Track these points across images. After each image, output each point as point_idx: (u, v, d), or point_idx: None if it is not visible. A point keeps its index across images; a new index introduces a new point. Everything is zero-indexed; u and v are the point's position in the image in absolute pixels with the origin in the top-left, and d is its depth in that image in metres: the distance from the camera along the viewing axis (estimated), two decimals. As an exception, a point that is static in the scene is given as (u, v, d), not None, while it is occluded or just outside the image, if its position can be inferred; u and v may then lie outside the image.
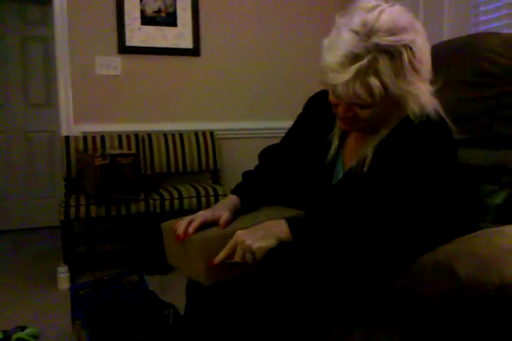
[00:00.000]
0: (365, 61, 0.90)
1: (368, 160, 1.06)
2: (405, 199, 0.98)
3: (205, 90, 3.36)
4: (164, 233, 1.18)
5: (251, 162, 1.40)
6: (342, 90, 0.94)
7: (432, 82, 1.00)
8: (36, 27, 3.84)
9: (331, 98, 1.03)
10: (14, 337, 1.88)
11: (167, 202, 2.76)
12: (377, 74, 0.91)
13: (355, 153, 1.12)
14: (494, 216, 1.13)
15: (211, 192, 2.86)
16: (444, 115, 1.03)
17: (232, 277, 1.06)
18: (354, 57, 0.90)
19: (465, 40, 1.44)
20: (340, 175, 1.14)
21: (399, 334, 0.90)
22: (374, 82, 0.91)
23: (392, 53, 0.90)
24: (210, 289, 1.09)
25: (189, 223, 1.07)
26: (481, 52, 1.30)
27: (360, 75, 0.91)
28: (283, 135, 1.33)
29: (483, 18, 2.54)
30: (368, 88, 0.91)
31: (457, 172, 1.06)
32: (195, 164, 3.21)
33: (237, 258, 1.01)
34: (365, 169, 1.06)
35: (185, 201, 2.79)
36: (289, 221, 1.03)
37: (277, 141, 1.35)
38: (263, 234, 1.01)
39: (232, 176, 3.37)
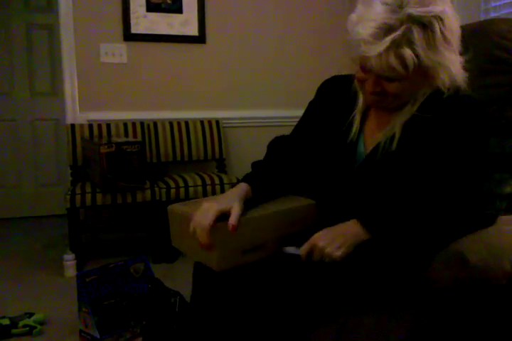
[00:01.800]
0: (399, 32, 0.89)
1: (396, 138, 1.05)
2: (445, 174, 0.99)
3: (210, 78, 3.34)
4: (170, 216, 1.18)
5: (257, 151, 1.39)
6: (375, 62, 0.93)
7: (462, 53, 0.99)
8: (41, 14, 3.81)
9: (359, 74, 1.02)
10: (21, 323, 1.89)
11: (173, 191, 2.75)
12: (410, 45, 0.90)
13: (378, 132, 1.11)
14: (505, 204, 1.12)
15: (217, 181, 2.85)
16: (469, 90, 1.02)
17: (242, 264, 1.06)
18: (388, 29, 0.90)
19: (476, 26, 1.41)
20: (363, 155, 1.13)
21: (409, 321, 0.89)
22: (408, 52, 0.90)
23: (424, 24, 0.90)
24: (217, 276, 1.09)
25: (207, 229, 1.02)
26: (492, 39, 1.28)
27: (394, 46, 0.90)
28: (289, 123, 1.30)
29: (494, 4, 2.50)
30: (402, 59, 0.91)
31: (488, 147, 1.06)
32: (201, 152, 3.20)
33: (314, 258, 1.02)
34: (394, 146, 1.05)
35: (191, 189, 2.79)
36: (362, 221, 1.02)
37: (283, 129, 1.33)
38: (342, 241, 1.00)
39: (238, 165, 3.36)
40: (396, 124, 1.06)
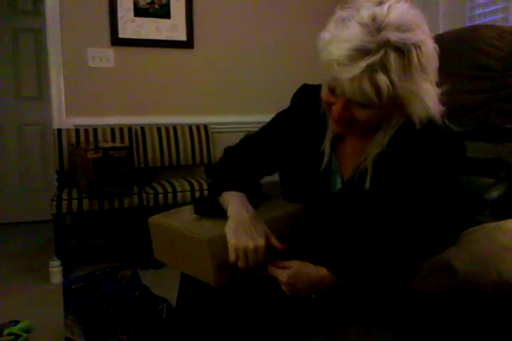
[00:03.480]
0: (375, 56, 0.85)
1: (368, 174, 1.01)
2: (414, 212, 0.97)
3: (198, 83, 3.33)
4: (153, 228, 1.13)
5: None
6: (348, 86, 0.88)
7: (438, 85, 0.95)
8: (27, 18, 3.78)
9: (326, 96, 0.97)
10: (6, 331, 1.87)
11: (161, 196, 2.74)
12: (386, 71, 0.86)
13: (351, 160, 1.07)
14: (491, 210, 1.13)
15: (205, 186, 2.84)
16: (447, 121, 0.99)
17: (238, 276, 1.04)
18: (364, 52, 0.86)
19: (461, 32, 1.43)
20: (338, 184, 1.09)
21: (395, 330, 0.89)
22: (383, 79, 0.86)
23: (401, 50, 0.86)
24: (204, 285, 1.08)
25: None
26: (477, 45, 1.29)
27: (369, 71, 0.86)
28: None
29: (479, 11, 2.53)
30: (376, 85, 0.87)
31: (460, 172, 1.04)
32: (189, 158, 3.19)
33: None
34: (367, 184, 1.00)
35: (179, 195, 2.77)
36: (335, 271, 1.00)
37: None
38: (310, 289, 1.00)
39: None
40: (368, 157, 1.01)
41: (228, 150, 1.26)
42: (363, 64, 0.85)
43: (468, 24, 2.56)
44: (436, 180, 0.97)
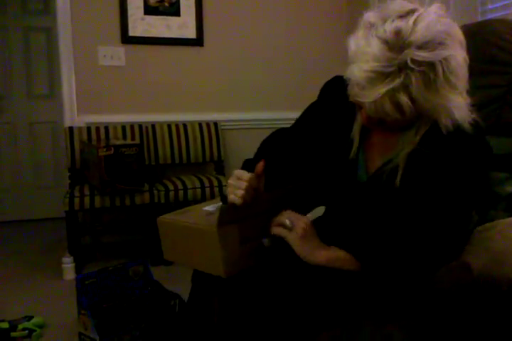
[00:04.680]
0: (397, 80, 0.82)
1: (400, 171, 0.99)
2: (439, 213, 0.96)
3: (208, 81, 3.34)
4: (162, 227, 1.14)
5: (254, 152, 1.38)
6: (369, 107, 0.88)
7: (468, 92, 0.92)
8: (39, 17, 3.82)
9: (355, 101, 0.94)
10: (20, 326, 1.89)
11: (171, 193, 2.75)
12: (407, 91, 0.84)
13: (378, 153, 1.06)
14: (505, 205, 1.12)
15: (215, 183, 2.85)
16: (482, 125, 0.97)
17: (248, 266, 1.05)
18: (384, 75, 0.83)
19: (473, 27, 1.41)
20: (363, 175, 1.08)
21: (409, 326, 0.89)
22: (403, 99, 0.84)
23: (425, 69, 0.82)
24: (216, 279, 1.09)
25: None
26: (490, 39, 1.28)
27: (390, 93, 0.84)
28: (287, 125, 1.25)
29: (491, 6, 2.51)
30: (398, 106, 0.85)
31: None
32: (199, 155, 3.20)
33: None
34: (398, 181, 0.99)
35: (190, 192, 2.79)
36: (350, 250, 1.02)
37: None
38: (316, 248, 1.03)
39: (236, 167, 3.34)
40: (399, 156, 0.99)
41: (263, 142, 1.29)
42: (383, 89, 0.83)
43: (479, 19, 2.54)
44: (462, 183, 0.96)
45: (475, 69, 1.27)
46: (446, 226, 0.95)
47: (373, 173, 1.05)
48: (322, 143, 1.14)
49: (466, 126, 0.93)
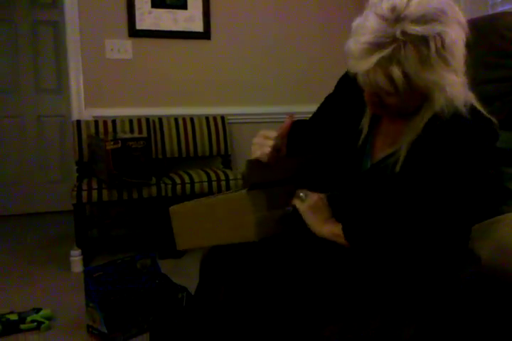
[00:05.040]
0: (388, 50, 0.85)
1: (401, 160, 1.01)
2: (439, 200, 0.96)
3: (215, 74, 3.33)
4: (175, 216, 1.16)
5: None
6: (362, 78, 0.91)
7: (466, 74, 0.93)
8: (46, 11, 3.81)
9: (359, 83, 0.98)
10: (29, 318, 1.90)
11: (178, 187, 2.76)
12: (399, 64, 0.86)
13: (383, 143, 1.09)
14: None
15: (222, 177, 2.85)
16: (481, 109, 0.97)
17: (276, 233, 1.09)
18: (377, 46, 0.86)
19: (483, 20, 1.40)
20: (368, 164, 1.11)
21: (417, 320, 0.89)
22: (396, 72, 0.86)
23: (418, 43, 0.85)
24: (224, 271, 1.09)
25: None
26: (500, 32, 1.27)
27: (382, 64, 0.86)
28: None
29: (501, -2, 2.48)
30: (390, 78, 0.87)
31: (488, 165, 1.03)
32: (206, 149, 3.20)
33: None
34: (398, 168, 1.01)
35: (197, 185, 2.79)
36: (346, 233, 1.04)
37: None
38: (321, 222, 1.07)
39: (243, 161, 3.35)
40: (403, 142, 1.01)
41: None
42: (374, 58, 0.86)
43: (490, 11, 2.51)
44: (462, 170, 0.96)
45: (487, 63, 1.26)
46: (442, 213, 0.96)
47: (376, 162, 1.07)
48: (334, 131, 1.18)
49: (462, 108, 0.94)
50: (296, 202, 1.11)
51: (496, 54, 1.23)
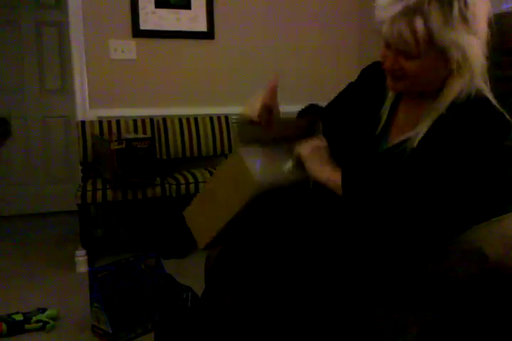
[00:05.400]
0: (413, 1, 0.90)
1: (419, 137, 1.03)
2: (443, 178, 0.97)
3: (219, 74, 3.33)
4: (188, 215, 1.17)
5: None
6: (387, 29, 0.94)
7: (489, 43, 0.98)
8: (50, 11, 3.82)
9: (383, 52, 1.02)
10: (34, 318, 1.91)
11: (183, 187, 2.76)
12: (423, 15, 0.90)
13: (405, 128, 1.10)
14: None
15: (227, 177, 2.85)
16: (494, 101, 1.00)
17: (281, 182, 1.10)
18: None
19: (495, 18, 1.39)
20: (383, 147, 1.13)
21: (424, 318, 0.89)
22: (419, 23, 0.90)
23: (442, 0, 0.89)
24: (231, 272, 1.09)
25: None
26: (506, 31, 1.26)
27: (407, 13, 0.90)
28: None
29: (507, -3, 2.46)
30: (413, 29, 0.91)
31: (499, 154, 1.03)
32: (210, 148, 3.20)
33: None
34: (415, 144, 1.03)
35: (201, 185, 2.79)
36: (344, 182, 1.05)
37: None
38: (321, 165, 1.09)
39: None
40: (424, 123, 1.03)
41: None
42: (399, 6, 0.90)
43: (496, 10, 2.49)
44: (472, 155, 0.97)
45: (496, 61, 1.25)
46: (441, 192, 0.96)
47: (392, 146, 1.09)
48: (352, 117, 1.20)
49: (484, 89, 0.98)
50: (298, 147, 1.12)
51: (502, 53, 1.22)
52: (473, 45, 0.94)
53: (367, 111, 1.17)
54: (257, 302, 1.06)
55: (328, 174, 1.07)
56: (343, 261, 1.05)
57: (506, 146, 1.03)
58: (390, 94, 1.14)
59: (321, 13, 3.47)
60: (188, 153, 3.16)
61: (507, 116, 0.99)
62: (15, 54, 3.78)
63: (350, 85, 1.30)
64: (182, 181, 2.78)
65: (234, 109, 3.34)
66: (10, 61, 3.77)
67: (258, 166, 1.04)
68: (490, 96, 1.01)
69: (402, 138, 1.07)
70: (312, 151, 1.10)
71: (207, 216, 1.13)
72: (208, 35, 3.27)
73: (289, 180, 1.11)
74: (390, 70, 1.03)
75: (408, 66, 0.98)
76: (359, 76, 1.28)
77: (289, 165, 1.11)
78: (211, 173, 2.87)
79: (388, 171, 1.06)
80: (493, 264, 0.78)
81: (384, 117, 1.13)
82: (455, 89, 0.99)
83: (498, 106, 1.00)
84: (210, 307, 1.16)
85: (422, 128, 1.03)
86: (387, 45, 0.99)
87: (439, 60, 0.96)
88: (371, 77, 1.20)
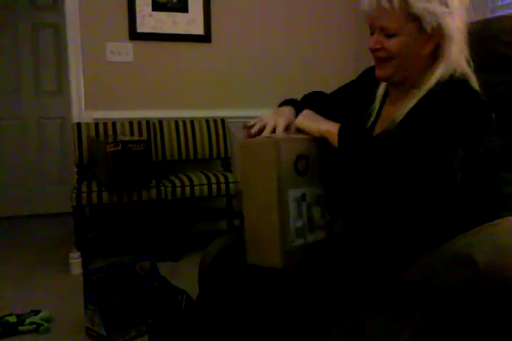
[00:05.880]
0: None
1: (407, 109, 1.09)
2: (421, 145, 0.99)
3: (216, 77, 3.34)
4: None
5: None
6: (367, 2, 1.03)
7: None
8: (47, 13, 3.83)
9: (369, 39, 1.09)
10: (28, 320, 1.90)
11: (178, 189, 2.76)
12: None
13: (385, 121, 1.16)
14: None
15: (222, 180, 2.85)
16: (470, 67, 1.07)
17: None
18: None
19: (483, 23, 1.41)
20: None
21: (415, 322, 0.89)
22: None
23: None
24: (225, 276, 1.09)
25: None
26: (499, 36, 1.28)
27: None
28: None
29: (501, 2, 2.49)
30: None
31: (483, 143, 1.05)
32: (206, 151, 3.20)
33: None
34: (402, 116, 1.09)
35: (196, 188, 2.79)
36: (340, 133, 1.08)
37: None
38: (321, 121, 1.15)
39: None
40: (410, 102, 1.09)
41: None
42: None
43: (489, 15, 2.52)
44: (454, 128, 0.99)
45: (484, 66, 1.26)
46: (429, 148, 0.97)
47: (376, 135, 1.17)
48: (346, 115, 1.26)
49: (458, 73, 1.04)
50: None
51: (493, 58, 1.23)
52: (446, 15, 1.01)
53: (359, 109, 1.24)
54: (250, 306, 1.06)
55: (326, 126, 1.11)
56: (332, 264, 1.05)
57: (494, 149, 1.04)
58: (380, 91, 1.21)
59: (318, 18, 3.49)
60: (184, 156, 3.16)
61: (483, 98, 1.03)
62: (11, 55, 3.78)
63: (351, 83, 1.36)
64: (178, 184, 2.78)
65: (230, 112, 3.35)
66: (6, 62, 3.77)
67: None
68: (472, 78, 1.07)
69: (387, 124, 1.13)
70: (305, 115, 1.17)
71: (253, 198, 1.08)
72: (205, 38, 3.28)
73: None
74: (374, 51, 1.10)
75: (390, 45, 1.05)
76: (360, 76, 1.34)
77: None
78: (207, 176, 2.87)
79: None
80: (482, 271, 0.78)
81: (374, 112, 1.20)
82: (437, 70, 1.06)
83: (477, 87, 1.05)
84: (204, 310, 1.16)
85: (409, 105, 1.09)
86: (371, 27, 1.08)
87: (418, 34, 1.03)
88: (368, 78, 1.26)
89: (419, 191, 0.94)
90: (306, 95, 1.41)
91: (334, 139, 1.07)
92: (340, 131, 1.07)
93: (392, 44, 1.05)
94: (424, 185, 0.93)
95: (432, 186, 0.93)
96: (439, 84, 1.05)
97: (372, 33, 1.09)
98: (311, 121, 1.15)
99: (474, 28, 1.37)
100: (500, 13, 2.49)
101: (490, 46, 1.27)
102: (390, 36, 1.05)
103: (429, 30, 1.02)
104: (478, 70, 1.20)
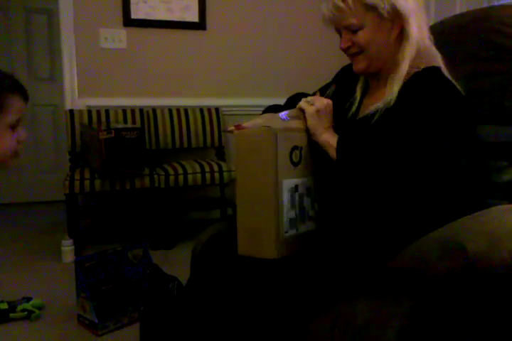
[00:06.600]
0: None
1: (391, 97, 1.11)
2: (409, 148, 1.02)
3: (210, 65, 3.32)
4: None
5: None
6: (325, 7, 1.11)
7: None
8: (40, -1, 3.78)
9: (340, 43, 1.15)
10: (19, 307, 1.90)
11: (171, 178, 2.75)
12: None
13: (368, 106, 1.19)
14: (502, 193, 1.12)
15: (216, 168, 2.85)
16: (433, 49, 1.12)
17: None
18: None
19: (478, 12, 1.40)
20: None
21: (406, 307, 0.90)
22: None
23: None
24: (216, 263, 1.09)
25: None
26: (493, 25, 1.27)
27: None
28: None
29: (497, -7, 2.47)
30: None
31: (469, 137, 1.07)
32: (200, 140, 3.19)
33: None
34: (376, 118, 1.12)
35: (190, 177, 2.79)
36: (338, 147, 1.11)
37: (282, 118, 1.35)
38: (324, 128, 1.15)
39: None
40: (391, 90, 1.12)
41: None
42: None
43: (485, 5, 2.51)
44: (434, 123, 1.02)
45: (477, 56, 1.26)
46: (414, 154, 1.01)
47: (359, 118, 1.20)
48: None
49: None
50: (304, 104, 1.16)
51: (488, 47, 1.23)
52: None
53: (341, 106, 1.25)
54: (239, 290, 1.06)
55: (326, 136, 1.13)
56: (323, 252, 1.06)
57: (479, 138, 1.05)
58: (359, 86, 1.25)
59: (315, 5, 3.46)
60: (177, 144, 3.15)
61: (457, 86, 1.08)
62: (3, 41, 3.74)
63: (325, 86, 1.38)
64: (171, 172, 2.77)
65: (225, 101, 3.33)
66: (-2, 48, 3.73)
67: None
68: (438, 58, 1.12)
69: (369, 110, 1.16)
70: (318, 112, 1.14)
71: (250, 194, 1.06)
72: (200, 25, 3.25)
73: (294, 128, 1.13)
74: (347, 49, 1.14)
75: (358, 39, 1.11)
76: (333, 79, 1.38)
77: (282, 116, 1.15)
78: (201, 165, 2.87)
79: (366, 136, 1.13)
80: (472, 259, 0.79)
81: (356, 102, 1.23)
82: (405, 51, 1.09)
83: (447, 74, 1.10)
84: (193, 294, 1.17)
85: (392, 93, 1.11)
86: (337, 29, 1.14)
87: (380, 23, 1.08)
88: (345, 77, 1.31)
89: (420, 185, 0.98)
90: (289, 97, 1.42)
91: (332, 152, 1.10)
92: (339, 145, 1.10)
93: (360, 37, 1.10)
94: (429, 181, 0.98)
95: (438, 179, 0.98)
96: (417, 74, 1.10)
97: (340, 35, 1.14)
98: (317, 123, 1.15)
99: (470, 18, 1.37)
100: (495, 3, 2.48)
101: (485, 36, 1.26)
102: (355, 31, 1.10)
103: (386, 15, 1.07)
104: (467, 59, 1.20)
